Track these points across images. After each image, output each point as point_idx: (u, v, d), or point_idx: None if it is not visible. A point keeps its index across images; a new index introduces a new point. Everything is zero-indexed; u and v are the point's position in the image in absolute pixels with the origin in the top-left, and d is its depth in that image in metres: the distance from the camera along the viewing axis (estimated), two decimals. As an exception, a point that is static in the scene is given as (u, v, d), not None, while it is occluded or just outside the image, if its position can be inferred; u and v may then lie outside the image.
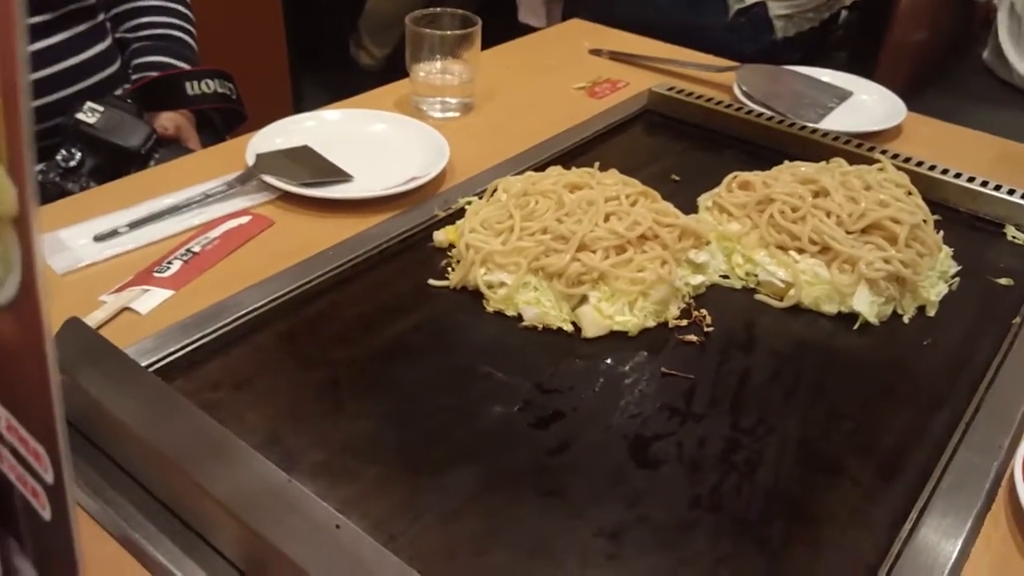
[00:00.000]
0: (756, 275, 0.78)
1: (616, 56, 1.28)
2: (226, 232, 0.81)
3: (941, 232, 0.82)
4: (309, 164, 0.90)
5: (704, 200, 0.87)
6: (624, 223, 0.74)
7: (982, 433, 0.62)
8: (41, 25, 1.06)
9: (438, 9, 1.06)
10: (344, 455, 0.59)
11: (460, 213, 0.82)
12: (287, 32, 2.11)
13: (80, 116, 0.97)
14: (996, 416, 0.64)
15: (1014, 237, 0.88)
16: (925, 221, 0.79)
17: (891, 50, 1.74)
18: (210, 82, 1.18)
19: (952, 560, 0.52)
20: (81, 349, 0.58)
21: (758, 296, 0.78)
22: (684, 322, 0.74)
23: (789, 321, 0.75)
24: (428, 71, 1.06)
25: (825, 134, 1.01)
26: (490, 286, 0.73)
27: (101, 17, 1.16)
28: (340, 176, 0.89)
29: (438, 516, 0.55)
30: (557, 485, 0.58)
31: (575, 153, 0.99)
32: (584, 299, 0.72)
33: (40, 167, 0.98)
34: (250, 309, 0.69)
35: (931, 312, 0.77)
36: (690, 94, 1.10)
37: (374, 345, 0.69)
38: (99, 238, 0.78)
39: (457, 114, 1.07)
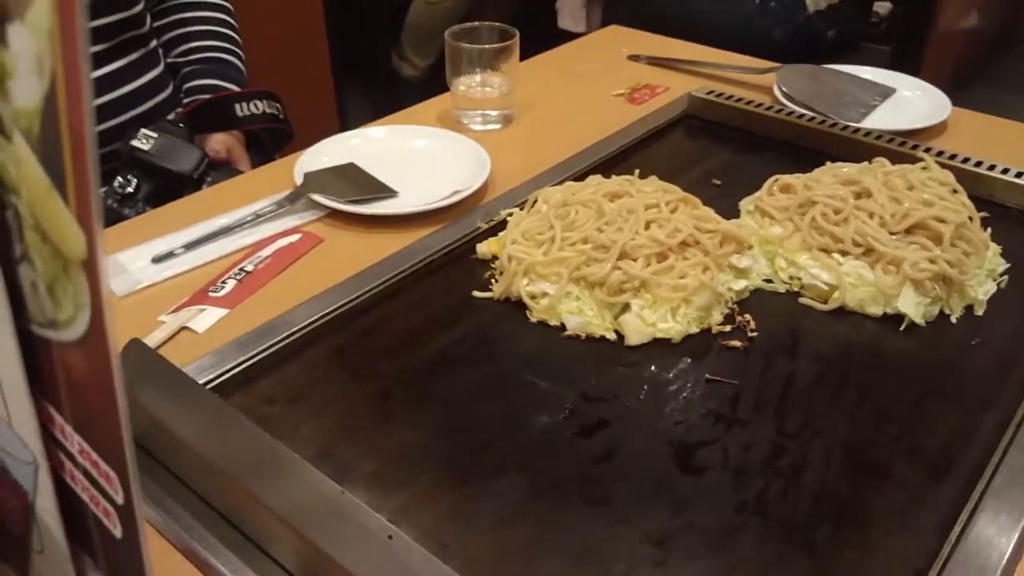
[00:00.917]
0: (800, 278, 0.78)
1: (654, 61, 1.28)
2: (277, 251, 0.83)
3: (988, 229, 0.81)
4: (355, 181, 0.92)
5: (746, 204, 0.87)
6: (665, 230, 0.74)
7: (1034, 433, 0.61)
8: (98, 54, 1.09)
9: (476, 24, 1.07)
10: (395, 465, 0.61)
11: (502, 225, 0.84)
12: (331, 49, 2.15)
13: (135, 143, 1.00)
14: (1048, 415, 0.63)
15: (1065, 232, 0.87)
16: (971, 219, 0.78)
17: (936, 43, 1.71)
18: (258, 103, 1.22)
19: (1005, 559, 0.52)
20: (143, 369, 0.61)
21: (802, 299, 0.78)
22: (728, 327, 0.74)
23: (834, 324, 0.75)
24: (468, 84, 1.07)
25: (868, 133, 1.00)
26: (533, 296, 0.74)
27: (153, 44, 1.20)
28: (385, 192, 0.91)
29: (488, 524, 0.56)
30: (603, 493, 0.59)
31: (616, 160, 1.00)
32: (627, 307, 0.73)
33: (99, 193, 1.01)
34: (302, 325, 0.72)
35: (979, 311, 0.76)
36: (730, 97, 1.10)
37: (422, 357, 0.71)
38: (156, 260, 0.81)
39: (498, 126, 1.09)
